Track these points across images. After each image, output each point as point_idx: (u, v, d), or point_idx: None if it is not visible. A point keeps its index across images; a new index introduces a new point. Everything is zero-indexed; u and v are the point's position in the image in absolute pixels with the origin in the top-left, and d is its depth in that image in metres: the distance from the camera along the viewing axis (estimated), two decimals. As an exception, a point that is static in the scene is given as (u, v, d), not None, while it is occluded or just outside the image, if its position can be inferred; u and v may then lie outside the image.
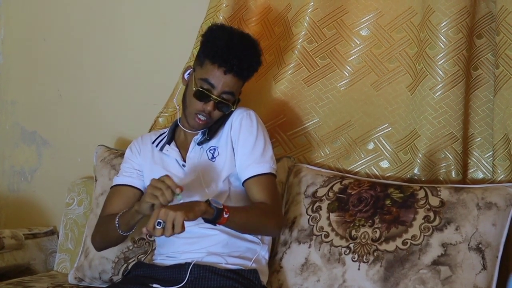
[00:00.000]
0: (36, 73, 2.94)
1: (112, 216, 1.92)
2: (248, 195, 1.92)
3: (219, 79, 1.89)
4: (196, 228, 1.87)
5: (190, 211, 1.65)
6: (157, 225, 1.62)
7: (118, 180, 2.04)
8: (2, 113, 3.00)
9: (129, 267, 2.07)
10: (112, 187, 2.06)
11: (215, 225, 1.73)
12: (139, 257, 2.16)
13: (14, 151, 2.98)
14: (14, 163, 2.97)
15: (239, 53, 1.88)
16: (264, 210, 1.87)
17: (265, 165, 1.92)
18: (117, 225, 1.87)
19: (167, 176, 1.72)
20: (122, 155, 2.28)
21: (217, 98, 1.90)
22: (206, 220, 1.72)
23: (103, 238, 2.00)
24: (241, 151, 1.94)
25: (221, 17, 2.36)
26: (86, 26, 2.83)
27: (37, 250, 2.65)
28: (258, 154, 1.93)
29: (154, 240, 2.09)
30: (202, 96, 1.90)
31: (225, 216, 1.71)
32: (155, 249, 2.04)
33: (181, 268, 1.83)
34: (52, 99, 2.88)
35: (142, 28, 2.74)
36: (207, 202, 1.70)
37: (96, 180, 2.37)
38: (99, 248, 2.06)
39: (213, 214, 1.70)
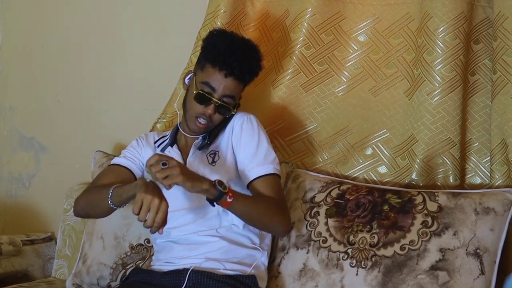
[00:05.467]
0: (34, 79, 2.95)
1: (105, 186, 1.86)
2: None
3: (220, 82, 1.89)
4: (195, 236, 1.88)
5: (190, 180, 1.67)
6: (162, 165, 1.65)
7: (119, 161, 2.01)
8: (0, 119, 3.00)
9: (127, 273, 2.07)
10: (110, 165, 2.03)
11: (213, 205, 1.74)
12: (137, 263, 2.16)
13: (12, 157, 2.97)
14: (12, 169, 2.97)
15: (240, 56, 1.89)
16: (272, 203, 1.86)
17: (269, 166, 1.92)
18: (109, 194, 1.79)
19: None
20: (120, 160, 2.28)
21: (217, 101, 1.90)
22: (209, 200, 1.73)
23: (89, 204, 1.92)
24: (244, 154, 1.94)
25: (219, 23, 2.37)
26: (84, 32, 2.84)
27: (35, 256, 2.64)
28: (261, 156, 1.93)
29: (152, 246, 2.09)
30: (202, 99, 1.90)
31: (229, 200, 1.72)
32: (153, 255, 2.04)
33: (179, 274, 1.82)
34: (50, 105, 2.89)
35: (141, 34, 2.74)
36: (214, 182, 1.72)
37: (94, 186, 2.37)
38: (79, 213, 1.99)
39: (214, 195, 1.71)
